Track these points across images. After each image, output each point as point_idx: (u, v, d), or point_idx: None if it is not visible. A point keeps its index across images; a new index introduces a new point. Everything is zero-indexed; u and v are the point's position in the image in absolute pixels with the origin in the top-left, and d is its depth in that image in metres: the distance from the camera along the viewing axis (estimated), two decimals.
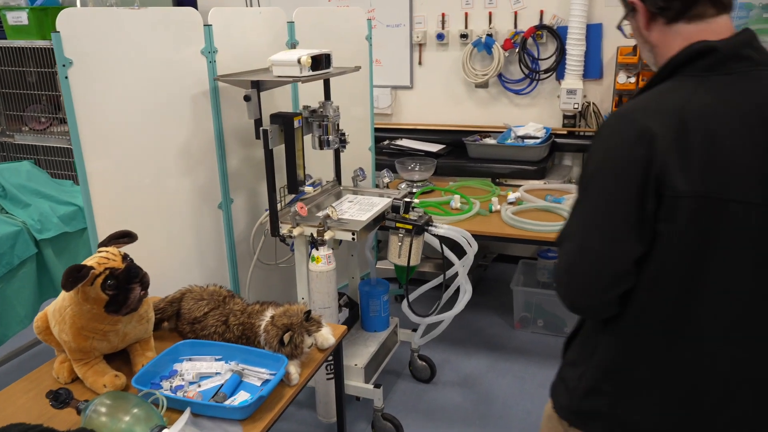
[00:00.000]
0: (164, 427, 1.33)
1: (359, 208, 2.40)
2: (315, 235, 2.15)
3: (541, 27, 3.55)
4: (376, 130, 3.79)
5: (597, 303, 1.10)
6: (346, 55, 3.10)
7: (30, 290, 2.50)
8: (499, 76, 3.73)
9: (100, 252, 1.55)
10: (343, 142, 2.45)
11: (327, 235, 2.16)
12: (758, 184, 0.99)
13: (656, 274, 1.05)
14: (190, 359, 1.70)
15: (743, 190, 0.99)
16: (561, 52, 3.53)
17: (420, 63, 3.92)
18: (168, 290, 2.04)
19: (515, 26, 3.64)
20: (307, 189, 2.31)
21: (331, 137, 2.38)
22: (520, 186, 3.25)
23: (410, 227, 2.28)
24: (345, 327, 1.90)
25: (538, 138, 3.45)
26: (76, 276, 1.43)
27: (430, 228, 2.30)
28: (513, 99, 3.79)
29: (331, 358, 1.96)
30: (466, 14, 3.72)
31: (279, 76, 2.18)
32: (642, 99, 1.05)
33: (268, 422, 1.49)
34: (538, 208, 2.93)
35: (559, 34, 3.52)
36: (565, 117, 3.65)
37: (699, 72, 1.04)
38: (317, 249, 2.16)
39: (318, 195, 2.55)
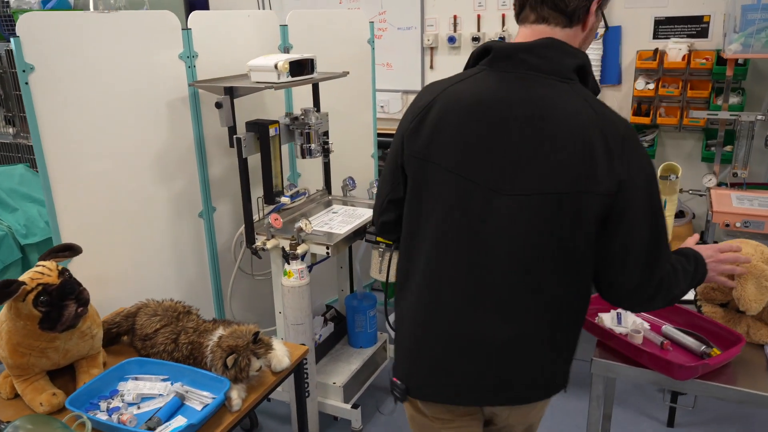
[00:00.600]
0: None
1: (341, 220, 2.30)
2: (287, 248, 2.07)
3: None
4: (385, 135, 3.68)
5: (378, 225, 1.46)
6: (347, 59, 3.00)
7: None
8: None
9: (37, 266, 1.49)
10: (326, 150, 2.35)
11: (300, 249, 2.07)
12: (454, 155, 1.20)
13: (404, 214, 1.32)
14: (136, 378, 1.63)
15: (444, 158, 1.20)
16: None
17: (431, 67, 3.79)
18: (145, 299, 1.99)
19: None
20: (284, 200, 2.22)
21: (313, 146, 2.29)
22: None
23: (390, 242, 2.16)
24: (306, 348, 1.80)
25: None
26: (5, 292, 1.38)
27: None
28: None
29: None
30: (479, 16, 3.57)
31: (257, 82, 2.11)
32: (443, 79, 1.28)
33: None
34: None
35: None
36: None
37: (483, 65, 1.22)
38: (288, 263, 2.07)
39: (304, 205, 2.47)
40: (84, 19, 1.92)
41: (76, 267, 1.97)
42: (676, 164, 2.36)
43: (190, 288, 2.40)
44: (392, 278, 2.19)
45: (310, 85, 2.46)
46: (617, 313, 1.64)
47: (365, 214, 2.34)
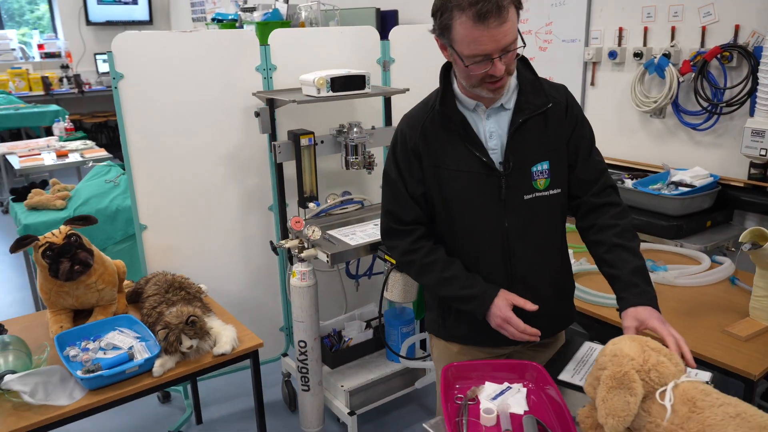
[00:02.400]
0: (12, 372, 1.68)
1: (371, 233, 2.36)
2: (296, 251, 2.23)
3: (730, 47, 2.76)
4: None
5: None
6: None
7: None
8: (676, 105, 3.03)
9: (56, 229, 1.97)
10: (369, 165, 2.43)
11: (305, 253, 2.21)
12: None
13: None
14: (121, 331, 2.01)
15: None
16: (756, 80, 2.69)
17: (593, 84, 3.44)
18: (212, 279, 2.46)
19: (702, 44, 2.90)
20: (311, 205, 2.38)
21: (353, 158, 2.39)
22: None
23: (393, 261, 2.15)
24: (259, 342, 1.97)
25: (692, 187, 2.73)
26: (20, 243, 1.88)
27: None
28: (693, 135, 3.04)
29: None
30: (645, 29, 3.11)
31: (307, 95, 2.31)
32: None
33: (107, 398, 1.72)
34: None
35: (755, 57, 2.69)
36: (752, 165, 2.78)
37: None
38: (293, 264, 2.23)
39: (357, 213, 2.58)
40: (170, 37, 2.36)
41: (151, 236, 2.47)
42: (766, 230, 1.81)
43: (256, 272, 2.74)
44: (396, 298, 2.19)
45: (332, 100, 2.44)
46: (507, 387, 1.42)
47: None
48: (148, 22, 8.58)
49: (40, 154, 4.45)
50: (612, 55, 3.25)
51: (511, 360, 1.48)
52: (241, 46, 2.47)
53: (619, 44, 3.24)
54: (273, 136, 2.36)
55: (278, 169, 2.35)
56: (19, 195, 3.42)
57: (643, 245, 2.65)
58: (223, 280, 2.65)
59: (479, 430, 1.30)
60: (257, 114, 2.32)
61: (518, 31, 1.34)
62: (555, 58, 3.60)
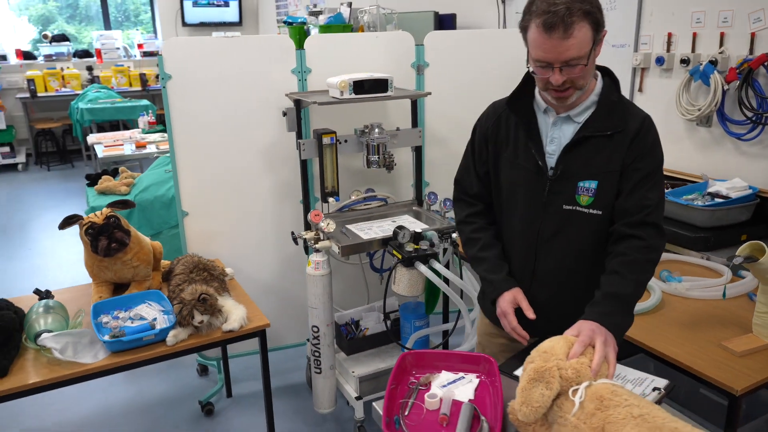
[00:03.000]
0: (49, 332, 1.94)
1: (387, 228, 2.48)
2: (312, 242, 2.39)
3: None
4: None
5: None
6: (497, 77, 3.02)
7: None
8: (722, 114, 2.92)
9: (99, 211, 2.24)
10: (388, 165, 2.54)
11: (321, 245, 2.37)
12: None
13: None
14: (149, 304, 2.26)
15: None
16: None
17: (640, 90, 3.36)
18: (245, 264, 2.69)
19: (751, 51, 2.79)
20: (331, 200, 2.52)
21: (373, 158, 2.52)
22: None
23: (400, 256, 2.26)
24: (266, 323, 2.14)
25: (727, 198, 2.64)
26: (67, 221, 2.16)
27: (419, 263, 2.23)
28: (739, 145, 2.92)
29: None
30: (694, 35, 3.02)
31: (333, 97, 2.46)
32: None
33: (125, 360, 1.95)
34: None
35: None
36: None
37: None
38: (308, 254, 2.39)
39: (380, 209, 2.71)
40: (214, 42, 2.59)
41: (192, 222, 2.72)
42: (765, 245, 1.76)
43: (287, 260, 2.93)
44: (402, 291, 2.30)
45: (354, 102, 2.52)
46: (460, 377, 1.50)
47: (419, 228, 2.44)
48: (238, 24, 9.09)
49: (122, 145, 4.90)
50: (659, 61, 3.17)
51: (467, 352, 1.55)
52: (279, 50, 2.66)
53: (668, 50, 3.16)
54: (299, 134, 2.53)
55: (303, 165, 2.51)
56: (93, 180, 3.83)
57: (665, 255, 2.60)
58: (256, 265, 2.86)
59: (421, 411, 1.39)
60: (284, 113, 2.50)
61: (590, 50, 1.44)
62: (605, 63, 3.53)
